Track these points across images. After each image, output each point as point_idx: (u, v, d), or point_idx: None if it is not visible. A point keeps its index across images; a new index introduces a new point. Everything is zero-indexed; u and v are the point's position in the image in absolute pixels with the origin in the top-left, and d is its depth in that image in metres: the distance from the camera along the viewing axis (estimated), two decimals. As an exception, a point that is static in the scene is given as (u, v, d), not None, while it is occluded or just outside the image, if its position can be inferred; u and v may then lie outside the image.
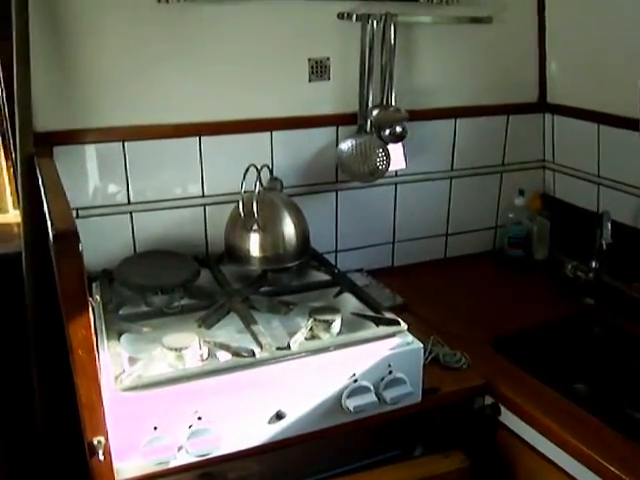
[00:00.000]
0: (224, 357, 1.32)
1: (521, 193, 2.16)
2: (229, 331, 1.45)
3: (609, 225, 1.82)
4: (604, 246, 1.82)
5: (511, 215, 2.18)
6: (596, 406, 1.57)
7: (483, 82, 2.08)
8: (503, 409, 1.52)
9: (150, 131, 1.72)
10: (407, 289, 1.96)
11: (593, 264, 1.93)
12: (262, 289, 1.65)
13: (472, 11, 1.93)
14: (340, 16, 1.80)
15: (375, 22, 1.78)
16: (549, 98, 2.18)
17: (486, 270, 2.18)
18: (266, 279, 1.70)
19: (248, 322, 1.46)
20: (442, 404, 1.52)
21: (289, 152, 1.88)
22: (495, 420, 1.54)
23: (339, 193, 1.99)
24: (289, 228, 1.69)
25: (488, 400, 1.55)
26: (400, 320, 1.48)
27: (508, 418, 1.51)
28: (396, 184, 2.05)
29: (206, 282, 1.69)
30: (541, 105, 2.19)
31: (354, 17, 1.78)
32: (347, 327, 1.46)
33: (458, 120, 2.07)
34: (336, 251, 2.04)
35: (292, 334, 1.40)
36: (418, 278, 2.08)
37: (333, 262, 1.98)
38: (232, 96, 1.78)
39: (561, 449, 1.38)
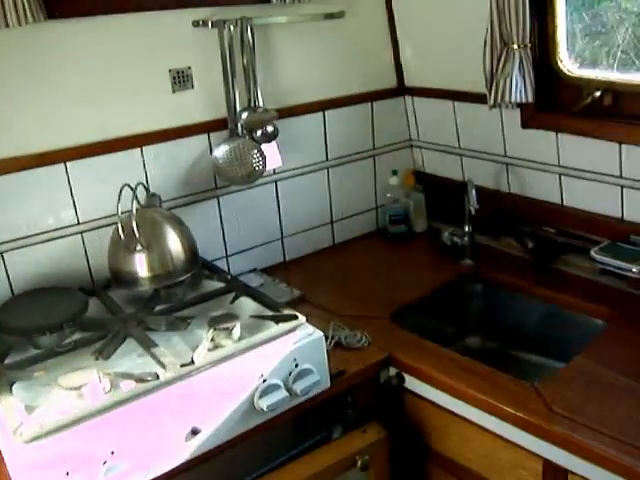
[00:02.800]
0: (128, 386, 1.26)
1: (394, 173, 2.20)
2: (129, 358, 1.38)
3: (474, 192, 1.89)
4: (472, 211, 1.88)
5: (388, 194, 2.22)
6: (487, 355, 1.70)
7: (345, 73, 2.10)
8: (407, 376, 1.56)
9: (8, 164, 1.57)
10: (302, 281, 1.96)
11: (466, 228, 2.01)
12: (156, 308, 1.58)
13: (324, 8, 1.93)
14: (195, 24, 1.75)
15: (232, 27, 1.73)
16: (406, 82, 2.23)
17: (373, 249, 2.21)
18: (159, 297, 1.63)
19: (147, 345, 1.39)
20: (351, 384, 1.53)
21: (163, 165, 1.81)
22: (401, 388, 1.58)
23: (220, 199, 1.94)
24: (174, 242, 1.62)
25: (392, 371, 1.59)
26: (298, 314, 1.47)
27: (412, 383, 1.56)
28: (276, 182, 2.02)
29: (97, 312, 1.58)
30: (400, 89, 2.25)
31: (210, 24, 1.73)
32: (248, 331, 1.43)
33: (326, 112, 2.07)
34: (227, 256, 1.99)
35: (195, 348, 1.35)
36: (311, 268, 2.08)
37: (225, 267, 1.94)
38: (94, 116, 1.67)
39: (461, 400, 1.45)
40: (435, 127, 2.22)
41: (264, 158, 1.85)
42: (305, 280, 1.97)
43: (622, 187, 1.74)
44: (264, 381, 1.36)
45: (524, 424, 1.33)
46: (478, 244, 2.04)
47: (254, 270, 2.03)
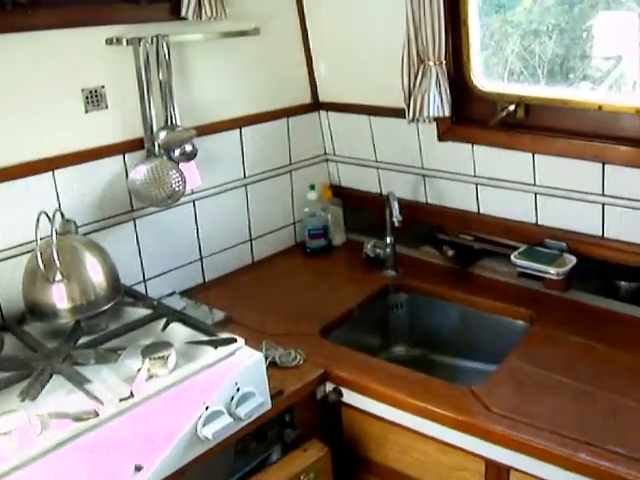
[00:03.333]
0: (64, 426, 1.20)
1: (312, 187, 2.25)
2: (59, 396, 1.31)
3: (396, 204, 1.96)
4: (396, 223, 1.95)
5: (306, 209, 2.26)
6: (414, 363, 1.79)
7: (260, 90, 2.12)
8: (344, 390, 1.60)
9: None
10: (225, 301, 1.95)
11: (388, 239, 2.08)
12: (81, 341, 1.51)
13: (239, 25, 1.94)
14: (109, 42, 1.71)
15: (147, 44, 1.71)
16: (321, 97, 2.29)
17: (295, 265, 2.24)
18: (81, 329, 1.56)
19: (78, 381, 1.33)
20: (289, 404, 1.54)
21: (77, 189, 1.74)
22: (340, 402, 1.62)
23: (137, 221, 1.90)
24: (95, 270, 1.57)
25: (329, 387, 1.62)
26: (237, 337, 1.46)
27: (350, 397, 1.60)
28: (194, 201, 2.01)
29: (14, 349, 1.50)
30: (315, 105, 2.30)
31: (124, 41, 1.70)
32: (185, 358, 1.41)
33: (243, 129, 2.08)
34: (144, 280, 1.94)
35: (129, 380, 1.32)
36: (233, 288, 2.08)
37: (143, 292, 1.90)
38: (2, 140, 1.59)
39: (400, 409, 1.51)
40: (351, 141, 2.28)
41: (184, 178, 1.83)
42: (228, 300, 1.96)
43: (536, 194, 1.87)
44: (207, 408, 1.34)
45: (465, 427, 1.40)
46: (399, 254, 2.12)
47: (173, 293, 2.00)
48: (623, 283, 1.83)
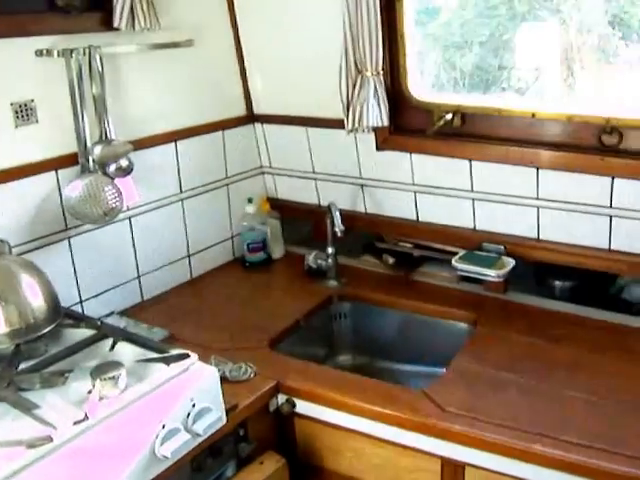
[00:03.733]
0: (17, 454, 1.16)
1: (250, 201, 2.26)
2: (5, 423, 1.27)
3: (338, 214, 2.00)
4: (339, 233, 2.00)
5: (244, 223, 2.28)
6: (361, 371, 1.83)
7: (195, 102, 2.12)
8: (297, 401, 1.62)
9: None
10: (166, 319, 1.93)
11: (329, 250, 2.12)
12: (23, 366, 1.47)
13: (172, 36, 1.95)
14: (38, 53, 1.67)
15: (79, 56, 1.69)
16: (256, 110, 2.31)
17: (235, 279, 2.24)
18: (22, 354, 1.51)
19: (25, 406, 1.30)
20: (244, 418, 1.56)
21: (8, 208, 1.69)
22: (293, 413, 1.64)
23: (72, 240, 1.85)
24: (33, 291, 1.52)
25: (282, 398, 1.64)
26: (189, 352, 1.46)
27: (304, 407, 1.62)
28: (130, 218, 1.98)
29: (-50, 378, 1.44)
30: (250, 117, 2.32)
31: (55, 53, 1.67)
32: (137, 377, 1.39)
33: (178, 142, 2.08)
34: (81, 301, 1.90)
35: (79, 403, 1.30)
36: (172, 305, 2.06)
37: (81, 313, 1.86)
38: None
39: (356, 415, 1.55)
40: (287, 153, 2.32)
41: (121, 194, 1.81)
42: (169, 318, 1.95)
43: (473, 200, 1.97)
44: (163, 427, 1.33)
45: (421, 428, 1.45)
46: (341, 265, 2.16)
47: (112, 313, 1.96)
48: (558, 282, 1.95)
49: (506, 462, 1.37)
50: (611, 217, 1.79)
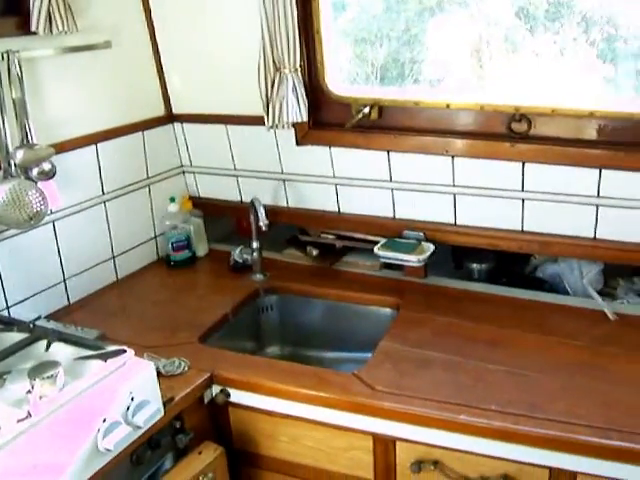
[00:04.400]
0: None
1: (172, 200, 2.33)
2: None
3: (262, 209, 2.10)
4: (264, 227, 2.09)
5: (168, 222, 2.35)
6: (289, 358, 1.99)
7: (114, 104, 2.18)
8: (232, 391, 1.72)
9: None
10: (95, 320, 1.98)
11: (254, 245, 2.22)
12: (-42, 372, 1.51)
13: (90, 38, 1.99)
14: (-47, 59, 1.69)
15: (-3, 61, 1.72)
16: (175, 109, 2.38)
17: (161, 278, 2.31)
18: (-47, 361, 1.55)
19: (-37, 409, 1.34)
20: (180, 410, 1.64)
21: None
22: (228, 403, 1.74)
23: (-6, 245, 1.88)
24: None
25: (216, 389, 1.73)
26: (125, 348, 1.53)
27: (238, 396, 1.72)
28: (54, 222, 2.01)
29: None
30: (169, 117, 2.39)
31: (-29, 59, 1.69)
32: (76, 374, 1.45)
33: (99, 145, 2.12)
34: (7, 307, 1.92)
35: (19, 403, 1.35)
36: (100, 307, 2.11)
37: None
38: None
39: (290, 400, 1.66)
40: (208, 151, 2.40)
41: (44, 198, 1.85)
42: (98, 319, 2.00)
43: (392, 190, 2.11)
44: (104, 421, 1.39)
45: (354, 407, 1.58)
46: (265, 259, 2.26)
47: (39, 318, 1.99)
48: (475, 265, 2.13)
49: (434, 434, 1.51)
50: (523, 200, 1.96)
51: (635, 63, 2.10)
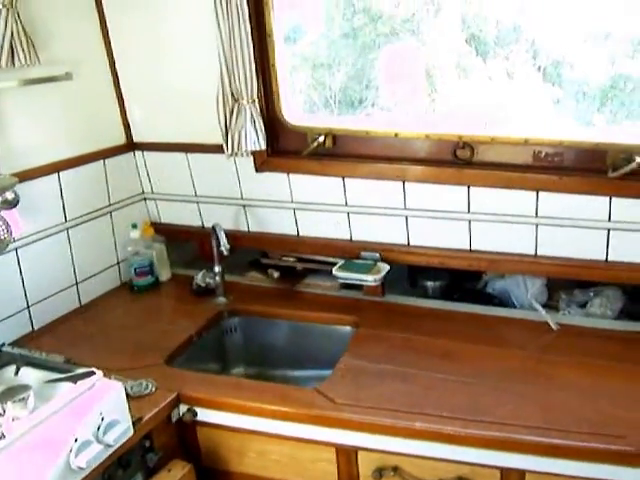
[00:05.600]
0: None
1: (134, 226, 2.42)
2: None
3: (223, 234, 2.21)
4: (225, 252, 2.20)
5: (130, 248, 2.43)
6: (253, 378, 2.09)
7: (76, 134, 2.27)
8: (199, 410, 1.80)
9: None
10: (60, 346, 2.03)
11: (217, 269, 2.32)
12: None
13: (51, 70, 2.08)
14: None
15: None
16: (135, 138, 2.49)
17: (124, 303, 2.39)
18: None
19: (-64, 433, 1.40)
20: (149, 429, 1.72)
21: None
22: (195, 421, 1.82)
23: (-43, 275, 1.95)
24: None
25: (183, 408, 1.82)
26: (94, 369, 1.61)
27: (205, 414, 1.81)
28: (16, 249, 2.08)
29: None
30: (130, 145, 2.49)
31: None
32: (44, 397, 1.53)
33: (61, 173, 2.21)
34: (-29, 337, 1.98)
35: (-9, 426, 1.41)
36: (65, 333, 2.18)
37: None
38: None
39: (257, 417, 1.75)
40: (169, 179, 2.51)
41: (9, 226, 1.92)
42: (62, 345, 2.06)
43: (349, 213, 2.25)
44: (76, 440, 1.47)
45: (317, 420, 1.68)
46: (228, 282, 2.36)
47: (3, 345, 2.04)
48: (429, 283, 2.28)
49: (392, 441, 1.63)
50: (470, 221, 2.12)
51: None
